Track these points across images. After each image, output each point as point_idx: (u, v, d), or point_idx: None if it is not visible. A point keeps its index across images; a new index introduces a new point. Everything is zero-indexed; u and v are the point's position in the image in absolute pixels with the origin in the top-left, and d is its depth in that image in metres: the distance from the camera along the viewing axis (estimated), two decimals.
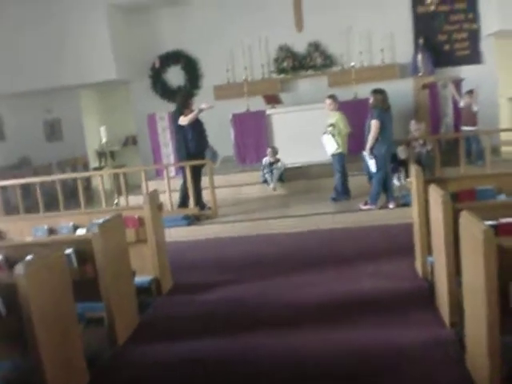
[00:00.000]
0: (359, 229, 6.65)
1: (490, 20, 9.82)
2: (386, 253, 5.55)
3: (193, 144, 7.35)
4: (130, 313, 4.36)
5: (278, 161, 8.53)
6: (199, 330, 4.16)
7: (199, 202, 7.54)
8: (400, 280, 4.74)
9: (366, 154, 6.81)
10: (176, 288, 5.17)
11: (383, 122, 6.64)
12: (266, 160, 8.59)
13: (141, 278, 4.84)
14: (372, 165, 6.78)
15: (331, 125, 7.38)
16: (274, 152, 8.62)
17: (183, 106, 7.44)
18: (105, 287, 3.95)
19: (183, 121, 7.29)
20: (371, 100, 6.81)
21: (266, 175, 8.48)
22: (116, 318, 4.01)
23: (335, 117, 7.42)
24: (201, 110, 7.37)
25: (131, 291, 4.43)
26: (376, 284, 4.70)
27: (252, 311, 4.43)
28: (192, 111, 7.40)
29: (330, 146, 7.42)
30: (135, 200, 7.40)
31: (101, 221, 4.34)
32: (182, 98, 7.73)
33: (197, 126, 7.41)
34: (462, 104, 8.66)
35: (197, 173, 7.42)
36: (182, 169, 7.50)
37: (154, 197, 5.12)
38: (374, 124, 6.63)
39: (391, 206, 6.87)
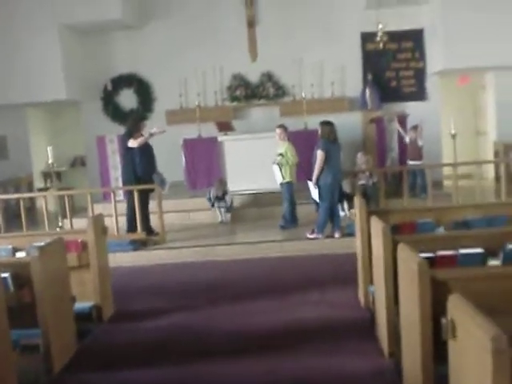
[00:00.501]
0: (306, 257, 6.72)
1: (434, 59, 10.32)
2: (330, 281, 5.62)
3: (140, 168, 7.29)
4: (68, 340, 4.22)
5: (225, 193, 8.49)
6: (139, 359, 4.07)
7: (147, 226, 7.45)
8: (343, 309, 4.80)
9: (310, 183, 6.96)
10: (118, 315, 5.05)
11: (329, 153, 6.80)
12: (212, 192, 8.52)
13: (81, 304, 4.71)
14: (316, 194, 6.92)
15: (280, 154, 7.52)
16: (222, 185, 8.54)
17: (134, 129, 7.40)
18: (42, 313, 3.81)
19: (133, 143, 7.24)
20: (319, 131, 6.99)
21: (215, 205, 8.43)
22: (52, 344, 3.88)
23: (284, 146, 7.57)
24: (151, 135, 7.36)
25: (70, 318, 4.30)
26: (320, 313, 4.74)
27: (195, 339, 4.38)
28: (142, 135, 7.36)
29: (278, 175, 7.54)
30: (80, 223, 7.22)
31: (41, 244, 4.22)
32: (133, 120, 7.71)
33: (146, 150, 7.37)
34: (407, 139, 8.99)
35: (144, 197, 7.35)
36: (129, 192, 7.40)
37: (98, 221, 5.02)
38: (319, 154, 6.80)
39: (337, 235, 7.00)
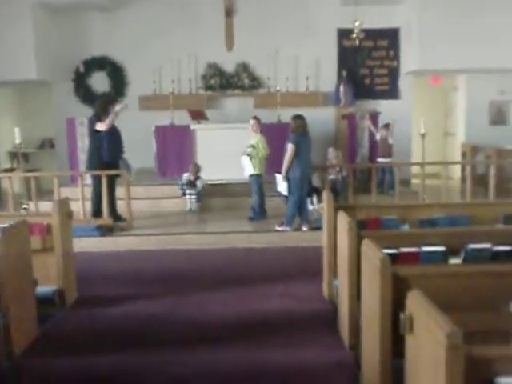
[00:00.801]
0: (273, 249, 6.76)
1: (408, 59, 10.45)
2: (296, 274, 5.67)
3: (108, 152, 7.20)
4: (29, 324, 4.16)
5: (198, 178, 8.49)
6: (100, 345, 4.04)
7: (114, 212, 7.37)
8: (307, 302, 4.85)
9: (278, 176, 7.01)
10: (81, 300, 5.00)
11: (298, 147, 6.85)
12: (186, 176, 8.53)
13: (44, 288, 4.64)
14: (283, 188, 6.99)
15: (251, 146, 7.52)
16: (196, 169, 8.58)
17: (102, 112, 7.27)
18: (3, 296, 3.75)
19: (101, 126, 7.13)
20: (291, 125, 7.04)
21: (186, 193, 8.41)
22: (13, 328, 3.82)
23: (256, 138, 7.58)
24: (117, 113, 7.24)
25: (31, 301, 4.24)
26: (284, 305, 4.79)
27: (158, 327, 4.37)
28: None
29: (248, 167, 7.55)
30: (47, 206, 7.11)
31: (5, 225, 4.14)
32: (102, 102, 7.56)
33: (114, 134, 7.27)
34: (378, 137, 9.11)
35: (111, 182, 7.27)
36: (95, 177, 7.30)
37: (64, 204, 4.95)
38: (289, 148, 6.85)
39: (304, 228, 7.06)
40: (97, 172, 7.25)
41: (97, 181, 7.27)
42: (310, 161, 7.07)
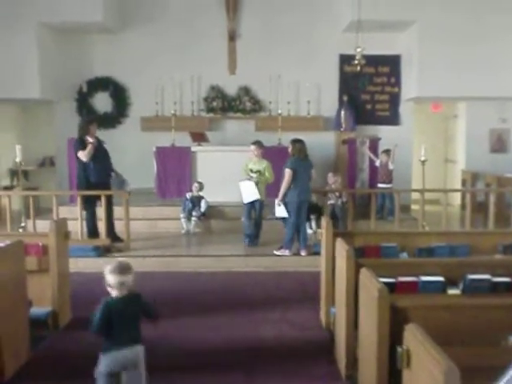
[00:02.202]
0: (271, 274, 6.70)
1: (409, 86, 10.52)
2: (293, 300, 5.61)
3: (94, 173, 7.18)
4: (22, 346, 4.10)
5: (202, 199, 8.48)
6: (89, 369, 3.97)
7: (112, 233, 7.34)
8: (303, 329, 4.79)
9: (276, 200, 7.02)
10: (74, 322, 4.93)
11: (296, 171, 6.85)
12: (189, 194, 8.54)
13: (38, 310, 4.60)
14: (280, 211, 7.00)
15: (257, 171, 7.46)
16: (200, 187, 8.60)
17: (84, 135, 7.25)
18: None
19: (82, 156, 7.11)
20: (290, 148, 7.03)
21: (193, 214, 8.40)
22: (5, 349, 3.76)
23: (263, 164, 7.46)
24: (94, 145, 7.19)
25: (25, 323, 4.19)
26: (280, 332, 4.72)
27: (150, 352, 4.29)
28: (94, 137, 7.26)
29: (252, 193, 7.43)
30: (44, 224, 7.05)
31: (1, 245, 4.11)
32: (83, 122, 7.56)
33: (99, 154, 7.24)
34: (377, 163, 9.10)
35: (94, 203, 7.27)
36: (89, 198, 7.27)
37: (61, 225, 4.92)
38: (286, 172, 6.87)
39: (303, 253, 7.01)
40: (94, 193, 7.21)
41: (89, 202, 7.25)
42: (308, 186, 7.05)
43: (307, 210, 7.18)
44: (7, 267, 3.86)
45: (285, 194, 6.90)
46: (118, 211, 7.47)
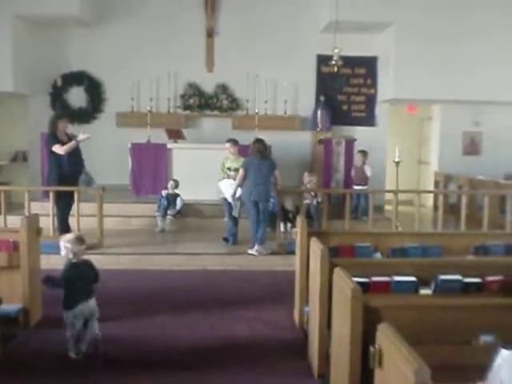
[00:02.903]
0: (246, 272, 6.70)
1: (385, 88, 10.62)
2: (268, 299, 5.62)
3: (67, 168, 7.08)
4: None
5: (177, 196, 8.43)
6: (61, 368, 3.92)
7: (65, 228, 7.22)
8: (277, 328, 4.80)
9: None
10: (45, 320, 4.85)
11: (248, 170, 7.03)
12: (164, 192, 8.47)
13: (8, 307, 4.49)
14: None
15: (235, 169, 7.46)
16: (175, 185, 8.54)
17: (53, 128, 7.16)
18: None
19: (59, 150, 7.00)
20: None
21: (168, 213, 8.33)
22: None
23: (240, 162, 7.46)
24: (78, 142, 7.13)
25: None
26: (253, 330, 4.73)
27: (121, 350, 4.26)
28: (66, 134, 7.20)
29: (231, 190, 7.42)
30: (15, 220, 6.92)
31: None
32: (52, 117, 7.45)
33: (73, 150, 7.14)
34: (352, 171, 9.12)
35: (67, 198, 7.15)
36: (59, 194, 7.16)
37: (32, 221, 4.84)
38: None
39: (250, 251, 7.03)
40: (68, 189, 7.10)
41: (61, 197, 7.14)
42: (262, 186, 7.02)
43: (287, 212, 7.26)
44: None
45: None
46: (91, 207, 7.38)
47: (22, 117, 10.98)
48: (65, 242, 4.07)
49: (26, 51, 10.18)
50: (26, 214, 6.73)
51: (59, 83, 10.62)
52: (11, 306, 4.55)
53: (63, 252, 4.08)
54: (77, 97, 10.68)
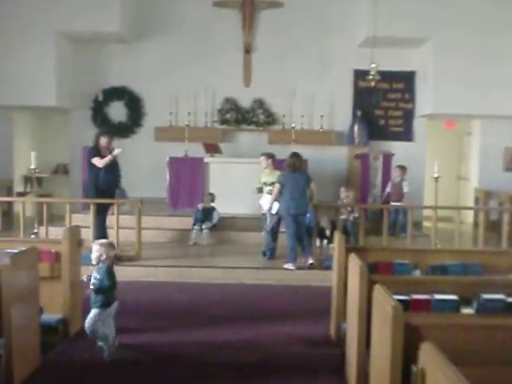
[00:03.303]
0: (282, 287, 6.67)
1: (423, 102, 10.51)
2: (304, 314, 5.57)
3: (104, 181, 7.26)
4: (32, 353, 4.11)
5: (213, 209, 8.48)
6: (100, 378, 3.97)
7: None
8: (313, 344, 4.75)
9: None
10: (84, 330, 4.93)
11: (284, 185, 7.02)
12: (200, 206, 8.54)
13: (49, 317, 4.60)
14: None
15: (271, 183, 7.48)
16: (211, 199, 8.60)
17: (98, 143, 7.39)
18: (7, 323, 3.71)
19: (98, 162, 7.21)
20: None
21: (203, 227, 8.39)
22: (14, 356, 3.76)
23: (275, 176, 7.46)
24: (113, 156, 7.31)
25: (36, 330, 4.20)
26: (290, 346, 4.69)
27: (157, 362, 4.29)
28: (110, 151, 7.37)
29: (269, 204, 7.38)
30: (56, 232, 7.10)
31: (15, 251, 4.14)
32: (97, 134, 7.67)
33: (111, 164, 7.31)
34: (388, 188, 8.98)
35: (104, 210, 7.33)
36: (96, 206, 7.32)
37: (74, 232, 4.95)
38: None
39: (310, 260, 7.01)
40: (107, 201, 7.28)
41: (99, 210, 7.30)
42: (299, 199, 7.01)
43: (322, 230, 7.29)
44: (20, 273, 3.87)
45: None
46: (129, 220, 7.50)
47: (63, 131, 11.31)
48: (99, 246, 4.32)
49: (68, 67, 10.52)
50: (68, 225, 6.89)
51: (100, 98, 10.91)
52: (52, 316, 4.65)
53: (95, 254, 4.27)
54: (117, 111, 10.94)
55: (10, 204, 10.49)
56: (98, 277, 4.20)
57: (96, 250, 4.29)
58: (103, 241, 4.50)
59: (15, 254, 3.96)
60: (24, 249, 4.15)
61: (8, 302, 3.70)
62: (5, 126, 11.15)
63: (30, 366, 4.03)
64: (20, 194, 11.18)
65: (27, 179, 11.68)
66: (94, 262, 4.31)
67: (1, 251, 4.60)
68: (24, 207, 7.50)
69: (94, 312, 4.23)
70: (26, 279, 3.98)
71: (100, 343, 4.31)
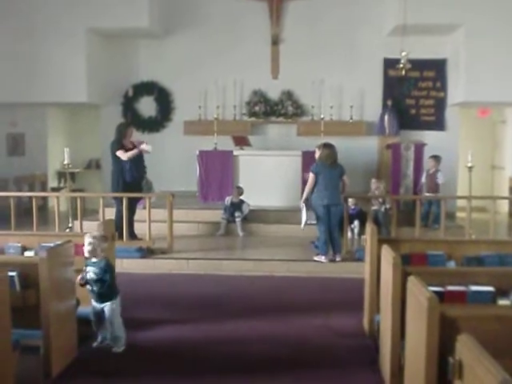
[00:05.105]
0: (313, 279, 6.66)
1: (455, 90, 10.28)
2: (336, 306, 5.55)
3: (129, 174, 7.31)
4: (69, 344, 4.20)
5: (242, 202, 8.52)
6: (137, 368, 4.05)
7: (130, 232, 7.44)
8: (346, 336, 4.74)
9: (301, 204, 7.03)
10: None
11: (319, 175, 6.82)
12: (228, 200, 8.59)
13: (85, 309, 4.69)
14: (304, 215, 6.97)
15: None
16: (239, 192, 8.63)
17: (122, 138, 7.42)
18: (45, 315, 3.81)
19: (122, 155, 7.25)
20: (316, 153, 7.02)
21: (235, 215, 8.42)
22: (53, 347, 3.86)
23: None
24: (141, 150, 7.35)
25: (73, 321, 4.29)
26: (322, 338, 4.68)
27: (193, 355, 4.34)
28: (133, 144, 7.43)
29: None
30: (90, 226, 7.24)
31: (51, 245, 4.23)
32: (121, 126, 7.70)
33: (136, 157, 7.37)
34: (423, 178, 8.80)
35: (131, 204, 7.39)
36: (120, 199, 7.38)
37: (108, 226, 5.03)
38: (309, 177, 6.89)
39: (337, 258, 6.93)
40: (138, 195, 7.38)
41: (119, 202, 7.39)
42: (333, 191, 6.89)
43: (354, 215, 7.07)
44: (57, 266, 3.96)
45: (307, 199, 6.94)
46: (161, 213, 7.59)
47: (95, 126, 11.48)
48: (92, 238, 4.25)
49: (98, 63, 10.65)
50: (101, 219, 7.01)
51: (130, 93, 11.02)
52: (88, 308, 4.74)
53: (88, 247, 4.21)
54: (147, 106, 11.04)
55: (44, 199, 10.74)
56: (98, 271, 4.20)
57: (89, 242, 4.22)
58: (96, 233, 4.38)
59: (52, 247, 4.06)
60: (60, 242, 4.24)
61: (45, 295, 3.80)
62: (39, 123, 11.40)
63: (67, 358, 4.12)
64: (54, 189, 11.42)
65: (61, 174, 11.92)
66: (86, 255, 4.27)
67: (38, 245, 4.73)
68: (58, 202, 7.65)
69: (110, 305, 4.29)
70: (62, 272, 4.07)
71: (103, 336, 4.41)
